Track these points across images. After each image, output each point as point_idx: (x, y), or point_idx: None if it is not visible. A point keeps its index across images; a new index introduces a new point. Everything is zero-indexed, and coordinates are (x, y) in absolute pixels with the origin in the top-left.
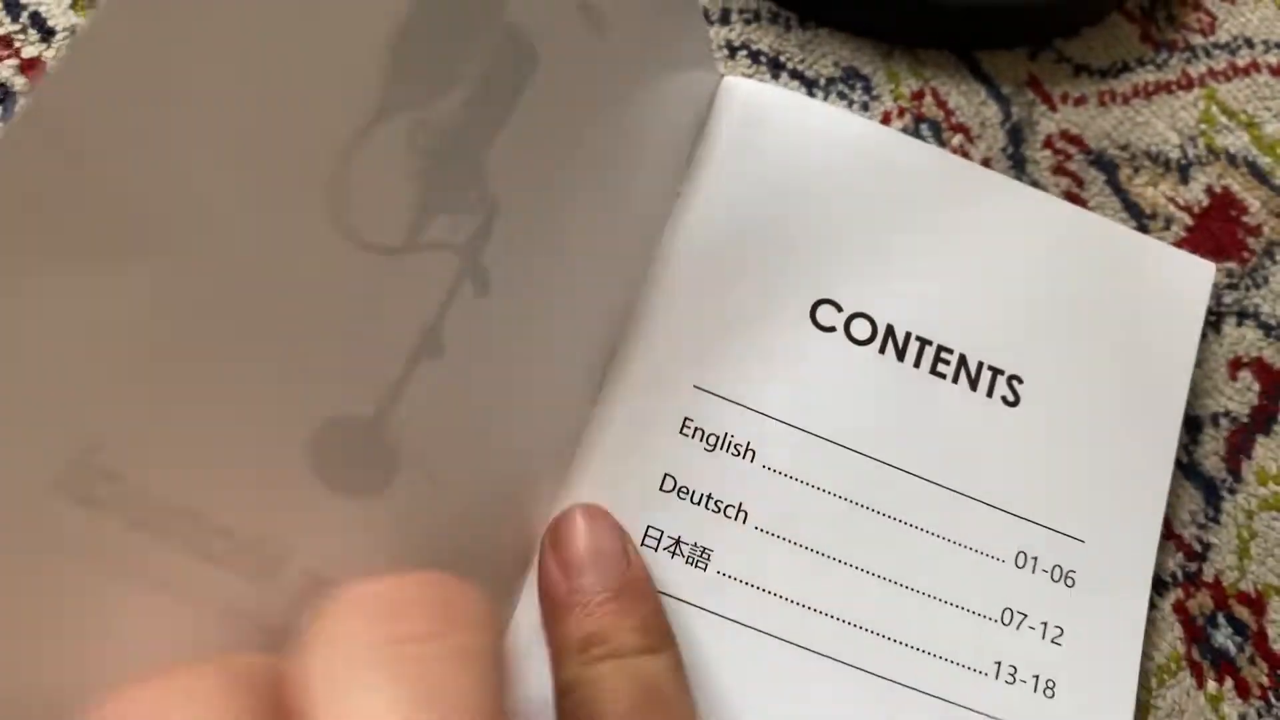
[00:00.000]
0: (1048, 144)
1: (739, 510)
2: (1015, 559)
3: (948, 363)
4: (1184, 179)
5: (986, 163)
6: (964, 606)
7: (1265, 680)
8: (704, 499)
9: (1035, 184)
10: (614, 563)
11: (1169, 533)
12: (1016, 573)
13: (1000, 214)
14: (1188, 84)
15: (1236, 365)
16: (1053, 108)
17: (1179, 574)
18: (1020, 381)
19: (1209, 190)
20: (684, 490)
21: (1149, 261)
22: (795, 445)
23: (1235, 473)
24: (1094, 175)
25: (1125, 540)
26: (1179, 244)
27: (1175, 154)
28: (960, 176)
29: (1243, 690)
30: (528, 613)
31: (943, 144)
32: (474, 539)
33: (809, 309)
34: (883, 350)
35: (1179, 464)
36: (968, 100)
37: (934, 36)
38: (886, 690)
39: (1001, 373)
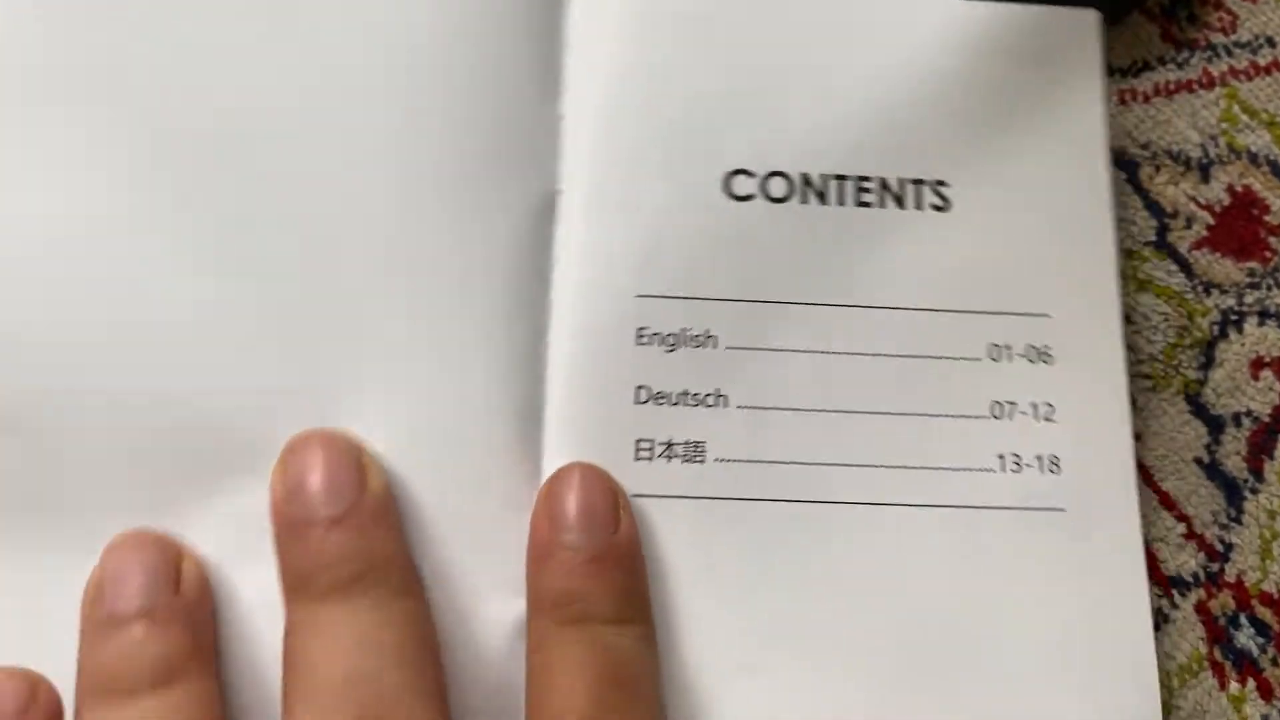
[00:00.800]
0: None
1: (718, 396)
2: (990, 353)
3: (869, 190)
4: (1205, 178)
5: None
6: (955, 414)
7: None
8: (681, 397)
9: None
10: (602, 523)
11: (1190, 532)
12: (994, 365)
13: (875, 27)
14: (1209, 83)
15: (1258, 365)
16: None
17: (1201, 574)
18: (945, 185)
19: (1230, 189)
20: (659, 396)
21: (1030, 27)
22: (750, 317)
23: (1257, 473)
24: (1115, 174)
25: (1088, 303)
26: (1200, 243)
27: (1196, 153)
28: (821, 7)
29: (1265, 691)
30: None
31: None
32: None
33: (722, 184)
34: (805, 200)
35: (1200, 463)
36: None
37: None
38: (906, 515)
39: (924, 182)
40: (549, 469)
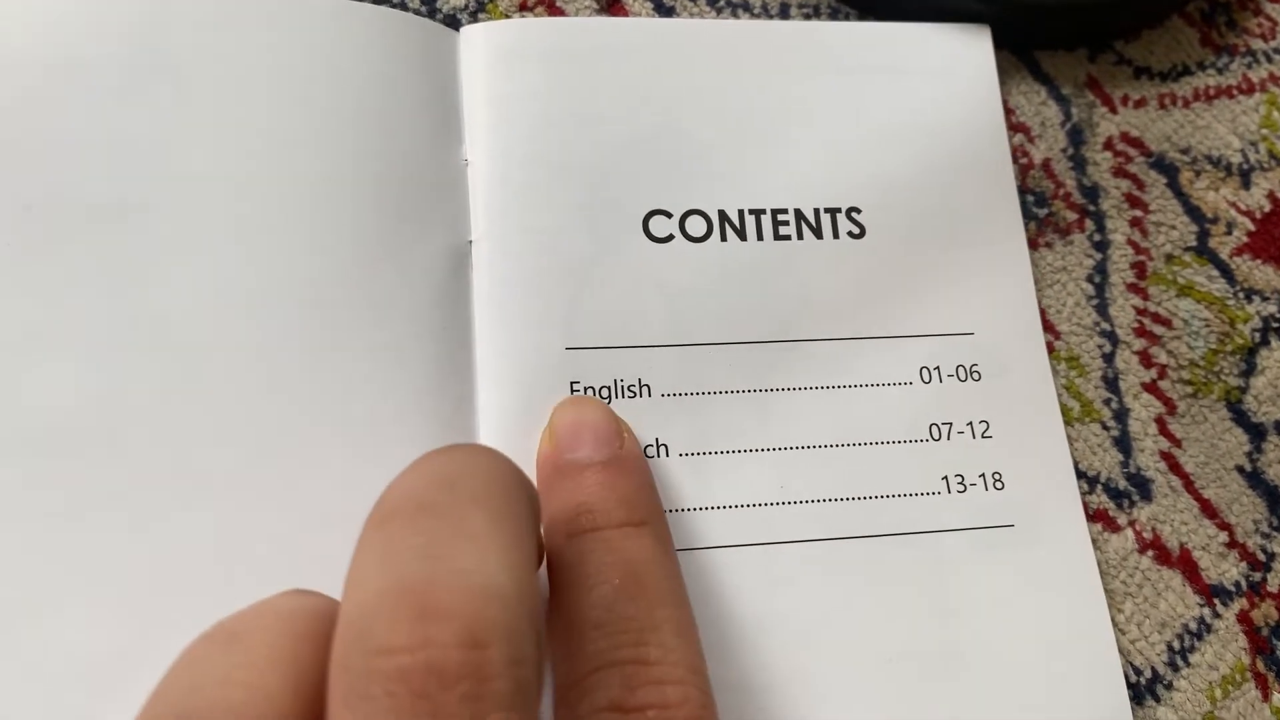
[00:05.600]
0: (1108, 145)
1: (658, 446)
2: (921, 375)
3: (787, 224)
4: (1245, 184)
5: (1046, 164)
6: (895, 440)
7: None
8: None
9: (1095, 186)
10: (606, 439)
11: (1232, 541)
12: (926, 388)
13: (775, 56)
14: (1248, 88)
15: None
16: (1113, 109)
17: (1243, 583)
18: (859, 211)
19: (1271, 196)
20: None
21: (924, 45)
22: (682, 362)
23: None
24: (1155, 178)
25: (1008, 316)
26: (1241, 249)
27: (1236, 158)
28: (716, 38)
29: None
30: None
31: None
32: None
33: (640, 226)
34: (724, 238)
35: (1242, 471)
36: (1028, 100)
37: (994, 36)
38: (854, 549)
39: (839, 210)
40: None
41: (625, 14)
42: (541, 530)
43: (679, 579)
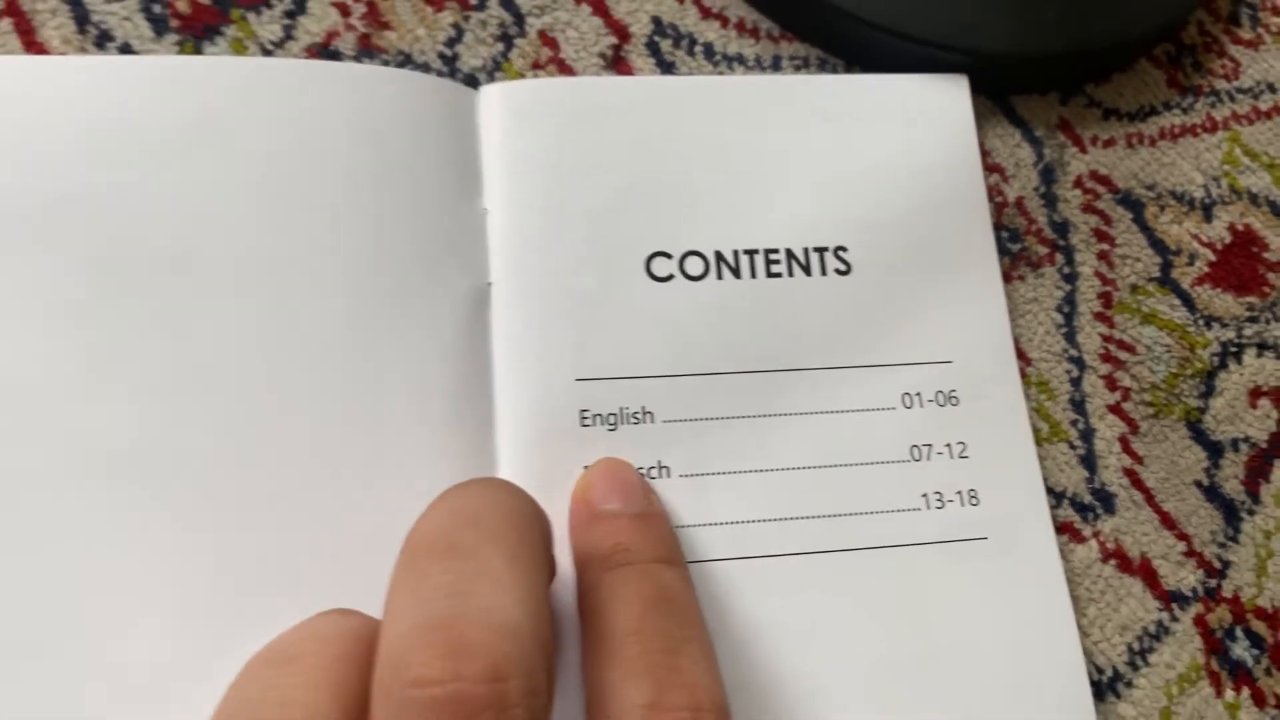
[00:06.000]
0: (1078, 184)
1: (660, 468)
2: (903, 401)
3: (778, 262)
4: (1207, 217)
5: (1020, 202)
6: (878, 461)
7: None
8: None
9: (1065, 222)
10: (637, 497)
11: (1190, 550)
12: (908, 413)
13: (766, 106)
14: (1212, 127)
15: (1256, 394)
16: (1083, 149)
17: (1199, 589)
18: (845, 250)
19: (1231, 228)
20: None
21: (907, 94)
22: (683, 391)
23: (1254, 495)
24: (1121, 213)
25: (983, 345)
26: (1202, 279)
27: (1199, 193)
28: (713, 92)
29: (1259, 700)
30: None
31: None
32: None
33: (643, 267)
34: (720, 277)
35: (1200, 486)
36: (1003, 142)
37: (972, 83)
38: (841, 561)
39: (826, 249)
40: None
41: (630, 71)
42: (574, 564)
43: (699, 609)
